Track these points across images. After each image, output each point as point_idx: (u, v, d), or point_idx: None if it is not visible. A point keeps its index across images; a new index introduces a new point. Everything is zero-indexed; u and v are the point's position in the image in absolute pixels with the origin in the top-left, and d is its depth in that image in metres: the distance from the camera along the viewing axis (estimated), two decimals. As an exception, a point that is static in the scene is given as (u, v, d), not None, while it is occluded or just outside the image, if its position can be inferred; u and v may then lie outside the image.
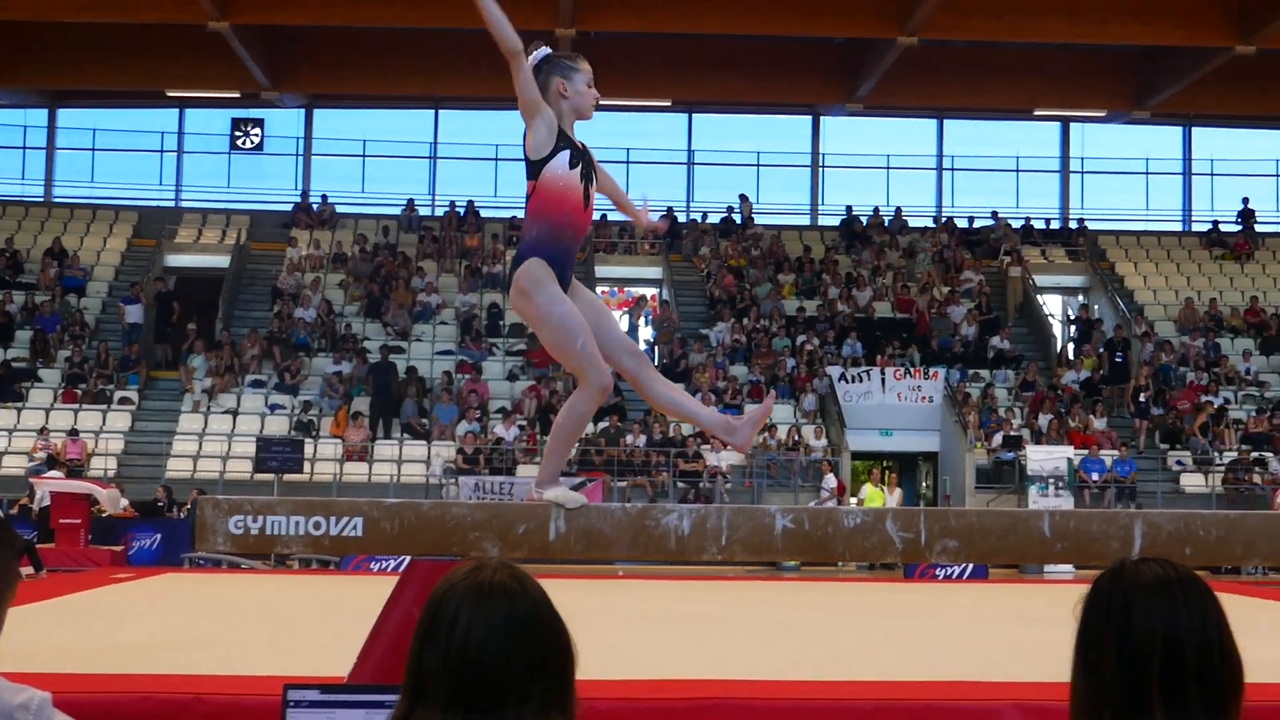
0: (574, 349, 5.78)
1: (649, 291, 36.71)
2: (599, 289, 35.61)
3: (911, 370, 30.85)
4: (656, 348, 32.36)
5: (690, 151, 38.57)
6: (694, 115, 38.39)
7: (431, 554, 5.72)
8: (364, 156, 38.36)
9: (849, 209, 37.13)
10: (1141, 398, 30.73)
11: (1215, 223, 38.08)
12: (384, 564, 21.63)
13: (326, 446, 28.78)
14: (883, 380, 30.60)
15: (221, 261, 34.86)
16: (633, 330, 33.21)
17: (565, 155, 5.85)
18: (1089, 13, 29.87)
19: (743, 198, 37.23)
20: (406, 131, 38.35)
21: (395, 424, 29.59)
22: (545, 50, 6.14)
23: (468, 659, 2.39)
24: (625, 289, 37.24)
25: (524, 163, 6.00)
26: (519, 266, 5.88)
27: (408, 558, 6.30)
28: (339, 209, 37.06)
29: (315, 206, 36.80)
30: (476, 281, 34.11)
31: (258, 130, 38.04)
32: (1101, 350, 32.09)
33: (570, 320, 5.77)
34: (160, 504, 25.84)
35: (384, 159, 38.46)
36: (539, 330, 5.90)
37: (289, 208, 37.14)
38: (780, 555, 6.00)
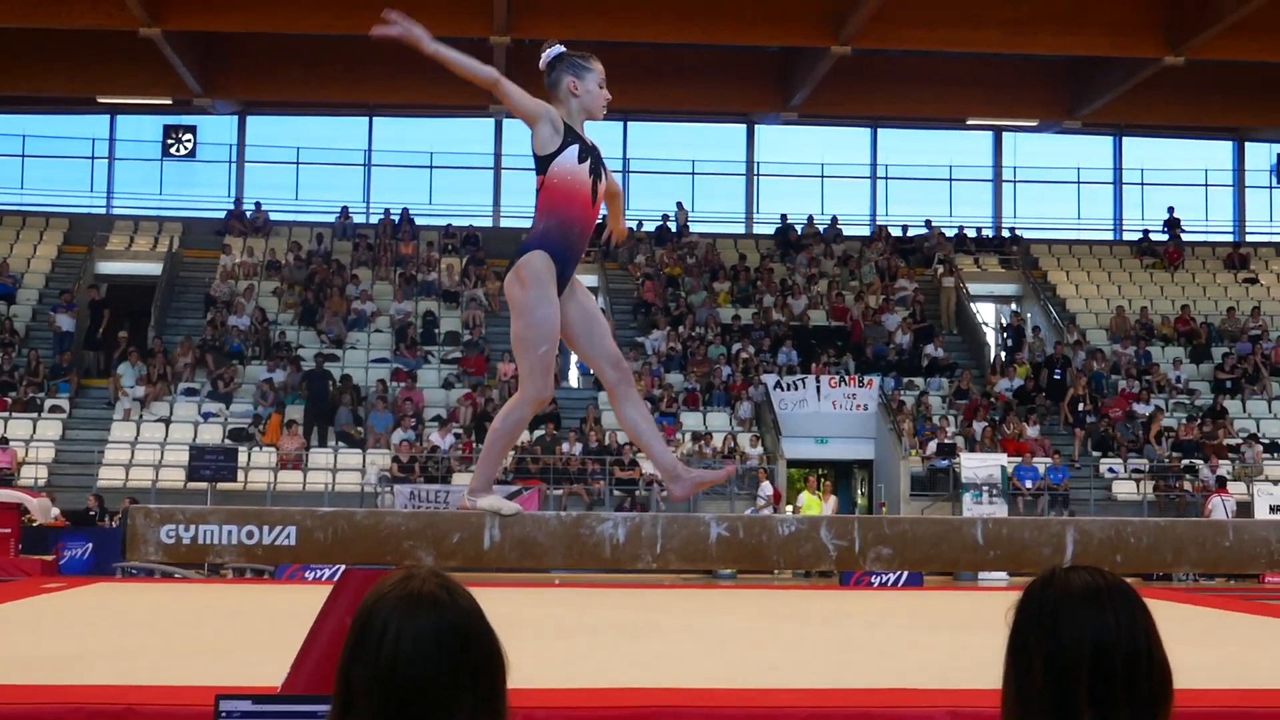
0: (534, 351, 5.77)
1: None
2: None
3: (846, 378, 30.97)
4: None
5: (625, 159, 38.58)
6: (629, 123, 38.42)
7: (365, 563, 5.70)
8: (298, 164, 38.17)
9: (784, 217, 37.25)
10: (1080, 407, 30.94)
11: (1146, 232, 38.44)
12: (319, 573, 21.50)
13: (260, 455, 28.61)
14: (818, 388, 30.70)
15: (154, 269, 34.61)
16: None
17: (574, 150, 5.88)
18: (1021, 23, 30.10)
19: (679, 206, 37.30)
20: (341, 138, 38.22)
21: (330, 432, 29.46)
22: (559, 48, 6.22)
23: (396, 670, 2.36)
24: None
25: (533, 160, 5.99)
26: (522, 255, 5.87)
27: (342, 567, 6.27)
28: (273, 216, 36.86)
29: (249, 214, 36.59)
30: (411, 289, 34.00)
31: (190, 137, 37.79)
32: (1041, 366, 32.26)
33: (545, 325, 5.76)
34: (92, 513, 25.61)
35: (318, 166, 38.29)
36: (514, 318, 5.90)
37: (222, 215, 36.91)
38: (715, 563, 6.01)
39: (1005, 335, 34.97)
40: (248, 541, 5.61)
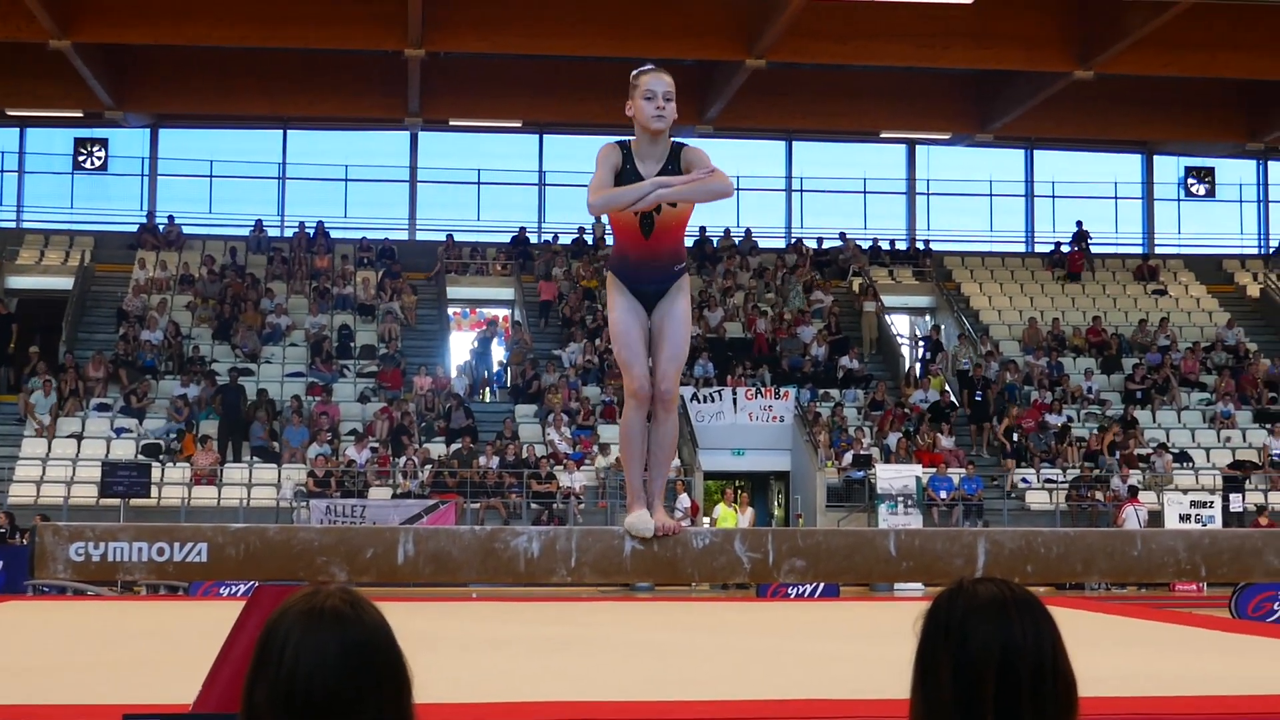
0: (616, 353, 6.09)
1: (501, 313, 36.63)
2: (450, 310, 35.49)
3: (762, 390, 31.08)
4: (509, 369, 32.28)
5: (541, 172, 38.55)
6: (545, 136, 38.40)
7: (278, 579, 5.66)
8: (211, 177, 37.85)
9: (702, 230, 37.32)
10: (997, 424, 31.20)
11: (1057, 244, 38.84)
12: (233, 589, 21.31)
13: (174, 471, 28.33)
14: (734, 400, 30.79)
15: (65, 283, 34.22)
16: (485, 352, 33.10)
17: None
18: (933, 37, 30.35)
19: (596, 218, 37.33)
20: (254, 152, 37.94)
21: (245, 447, 29.23)
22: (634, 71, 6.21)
23: (296, 688, 2.33)
24: (477, 310, 37.13)
25: None
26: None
27: (255, 583, 6.22)
28: (186, 230, 36.54)
29: (161, 227, 36.26)
30: (326, 303, 33.81)
31: (101, 150, 37.42)
32: (964, 385, 32.46)
33: (615, 328, 6.04)
34: (2, 530, 25.27)
35: (232, 179, 37.98)
36: None
37: (134, 228, 36.56)
38: (629, 577, 6.01)
39: (923, 347, 35.19)
40: (158, 559, 5.56)
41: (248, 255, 35.71)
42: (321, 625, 2.38)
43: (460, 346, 34.43)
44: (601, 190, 5.93)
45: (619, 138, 6.22)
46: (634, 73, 6.25)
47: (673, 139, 6.19)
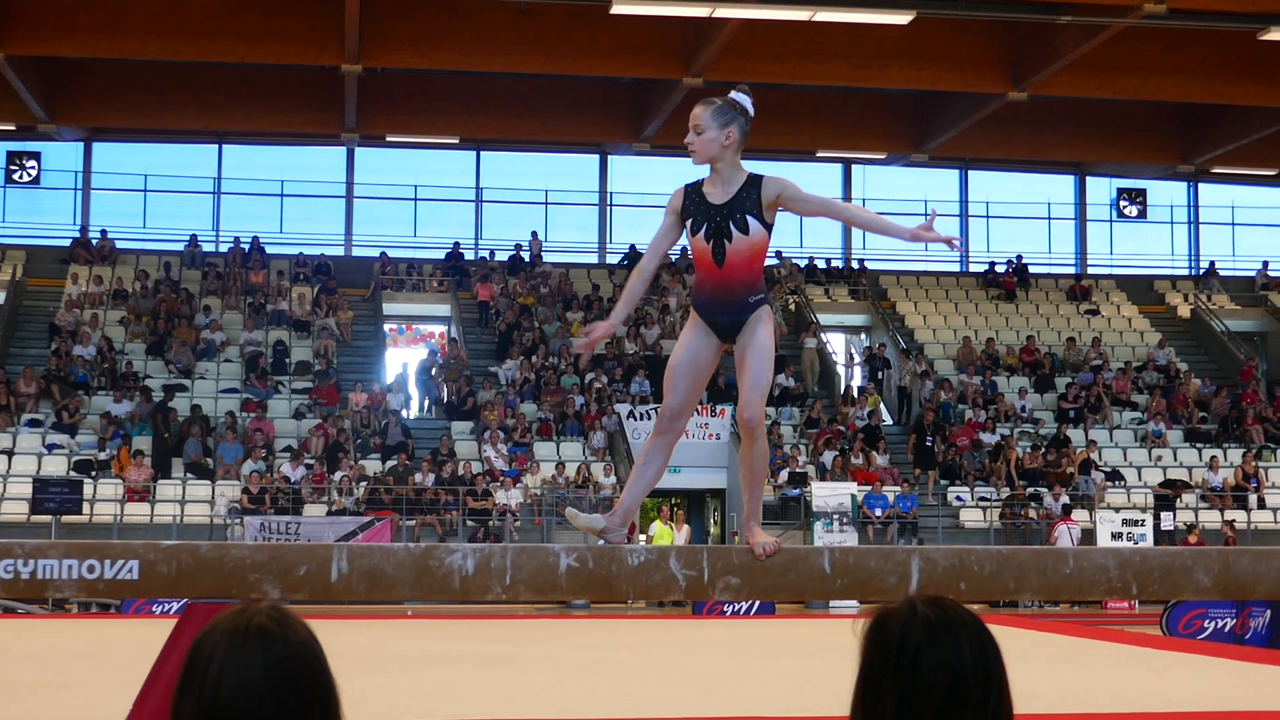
0: (665, 384, 6.09)
1: (437, 329, 36.55)
2: (386, 326, 35.37)
3: (699, 408, 31.11)
4: (445, 385, 32.19)
5: (479, 189, 38.51)
6: (482, 153, 38.36)
7: (210, 597, 5.63)
8: (145, 191, 37.58)
9: (632, 247, 37.34)
10: (928, 441, 31.35)
11: (991, 263, 39.11)
12: (166, 607, 21.15)
13: (107, 487, 28.08)
14: (670, 418, 30.75)
15: (-4, 298, 33.90)
16: (423, 369, 32.99)
17: (690, 222, 6.11)
18: (868, 58, 30.52)
19: (533, 235, 37.31)
20: (189, 166, 37.70)
21: (178, 463, 29.01)
22: None
23: (220, 705, 2.30)
24: (413, 327, 37.03)
25: None
26: None
27: (187, 601, 6.19)
28: (119, 244, 36.25)
29: (95, 242, 35.97)
30: (262, 319, 33.62)
31: (34, 163, 37.11)
32: (900, 404, 32.60)
33: (673, 360, 6.07)
34: (-71, 548, 24.95)
35: (166, 194, 37.73)
36: None
37: (67, 243, 36.24)
38: (565, 594, 6.00)
39: (865, 367, 35.29)
40: (89, 576, 5.51)
41: (182, 270, 35.47)
42: (247, 643, 2.36)
43: (397, 363, 34.32)
44: (651, 248, 6.17)
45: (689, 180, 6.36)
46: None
47: (751, 172, 6.28)
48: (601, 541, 5.94)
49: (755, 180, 6.13)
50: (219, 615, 2.42)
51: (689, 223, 6.06)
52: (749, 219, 6.03)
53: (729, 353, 6.15)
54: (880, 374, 34.26)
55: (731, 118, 6.23)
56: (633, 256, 37.17)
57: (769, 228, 6.04)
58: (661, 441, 6.04)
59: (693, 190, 6.15)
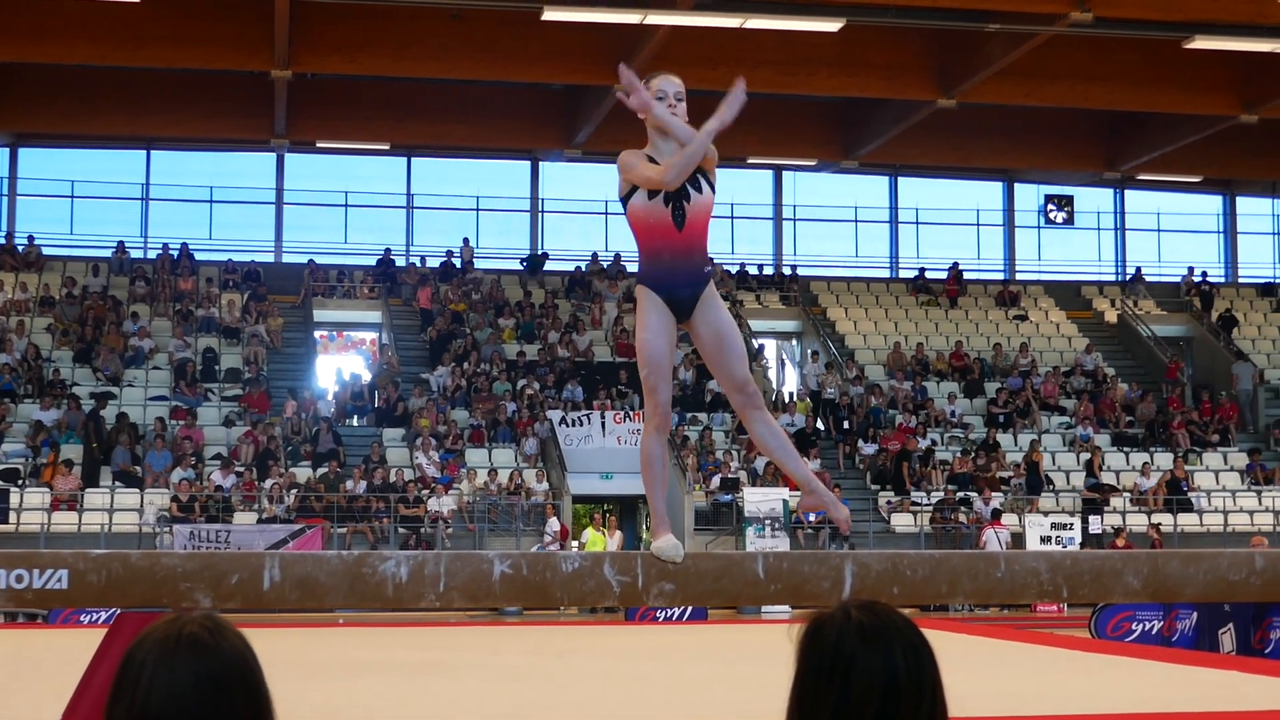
0: (642, 376, 5.97)
1: (368, 335, 36.40)
2: (317, 333, 35.19)
3: (631, 414, 31.13)
4: (376, 392, 32.06)
5: (409, 195, 38.38)
6: (413, 159, 38.22)
7: (141, 606, 5.58)
8: (72, 197, 37.23)
9: (543, 254, 37.35)
10: (860, 445, 31.50)
11: (921, 269, 39.33)
12: (95, 616, 20.93)
13: (34, 495, 27.78)
14: (603, 424, 30.83)
15: (-81, 305, 33.48)
16: (353, 375, 32.87)
17: (646, 193, 6.00)
18: (797, 65, 30.63)
19: (464, 242, 37.21)
20: (117, 172, 37.38)
21: (107, 471, 28.73)
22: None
23: (151, 717, 2.28)
24: (344, 333, 36.86)
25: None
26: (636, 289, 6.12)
27: (117, 610, 6.13)
28: (46, 251, 35.88)
29: (20, 248, 35.59)
30: (191, 325, 33.37)
31: (-41, 169, 36.69)
32: (821, 411, 32.70)
33: (644, 350, 5.96)
34: None
35: (94, 200, 37.40)
36: None
37: (-8, 249, 35.86)
38: (498, 601, 5.99)
39: (797, 372, 35.40)
40: (17, 585, 5.46)
41: (110, 277, 35.16)
42: (178, 652, 2.33)
43: (328, 369, 34.16)
44: (660, 169, 5.99)
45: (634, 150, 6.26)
46: (645, 78, 6.37)
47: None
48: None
49: None
50: (151, 624, 2.39)
51: (646, 192, 6.01)
52: (700, 178, 6.10)
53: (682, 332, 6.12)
54: (812, 381, 34.34)
55: None
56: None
57: (713, 188, 6.11)
58: (663, 438, 6.05)
59: (648, 158, 6.16)
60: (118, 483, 28.45)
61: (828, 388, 33.18)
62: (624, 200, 6.07)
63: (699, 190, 6.05)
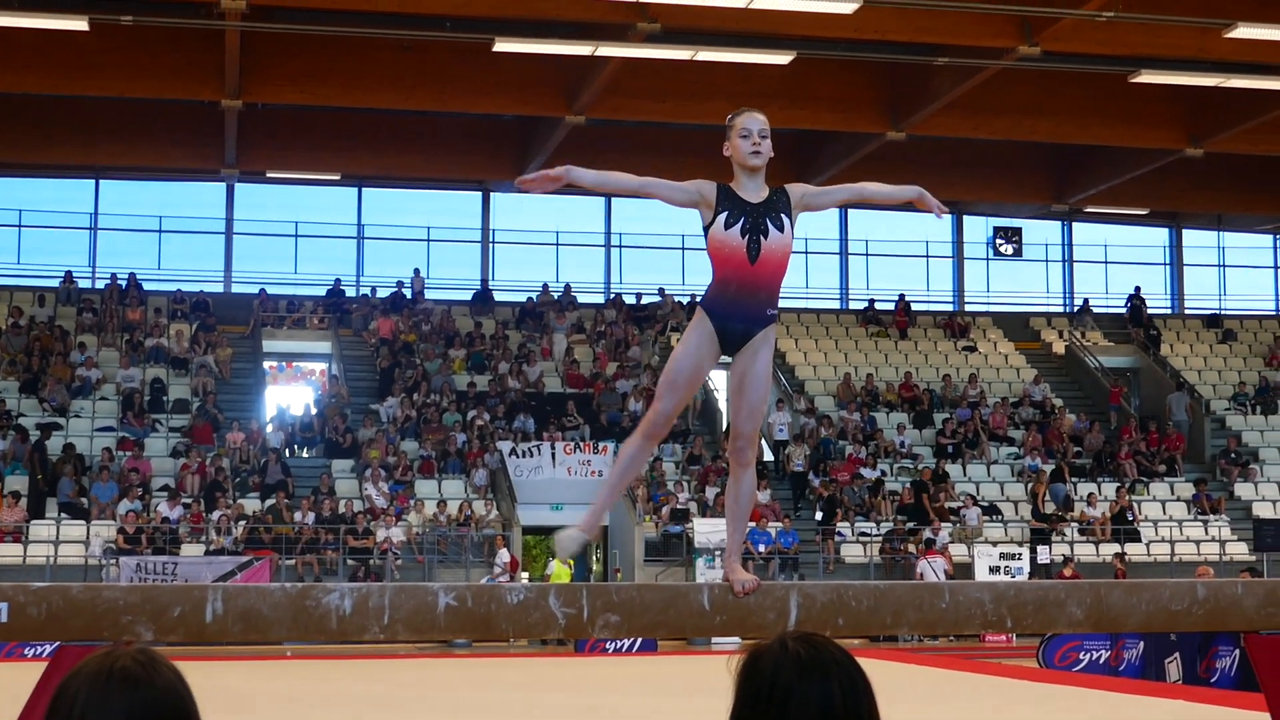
0: (661, 387, 6.02)
1: (318, 366, 36.26)
2: (266, 364, 35.04)
3: (581, 444, 31.12)
4: (325, 423, 31.92)
5: (360, 225, 38.28)
6: (364, 189, 38.13)
7: (82, 639, 5.54)
8: (20, 226, 36.99)
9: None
10: (811, 477, 31.55)
11: (871, 301, 39.48)
12: (39, 650, 20.72)
13: (-23, 528, 27.54)
14: (553, 455, 30.79)
15: None
16: (290, 415, 32.70)
17: (723, 216, 6.04)
18: (748, 97, 30.58)
19: (415, 272, 37.13)
20: (65, 201, 37.15)
21: (53, 503, 28.50)
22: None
23: None
24: (294, 364, 36.70)
25: None
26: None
27: (59, 644, 6.08)
28: (-8, 280, 35.66)
29: (-33, 278, 35.34)
30: (139, 356, 33.17)
31: (-95, 198, 36.41)
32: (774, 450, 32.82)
33: (675, 363, 6.03)
34: None
35: (41, 229, 37.16)
36: None
37: (-62, 279, 35.60)
38: (443, 633, 5.97)
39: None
40: (-43, 619, 5.41)
41: (57, 307, 34.93)
42: (111, 686, 2.33)
43: (276, 400, 34.01)
44: (652, 182, 6.19)
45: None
46: (729, 115, 6.44)
47: (770, 184, 6.29)
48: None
49: (779, 187, 6.30)
50: (85, 658, 2.39)
51: (722, 217, 6.07)
52: (784, 217, 6.17)
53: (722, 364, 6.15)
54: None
55: None
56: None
57: (793, 229, 6.17)
58: (649, 445, 6.08)
59: (723, 188, 6.20)
60: (63, 514, 28.23)
61: (777, 427, 33.05)
62: (706, 229, 6.10)
63: (779, 228, 6.09)
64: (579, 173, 6.08)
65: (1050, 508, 31.37)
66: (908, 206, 6.59)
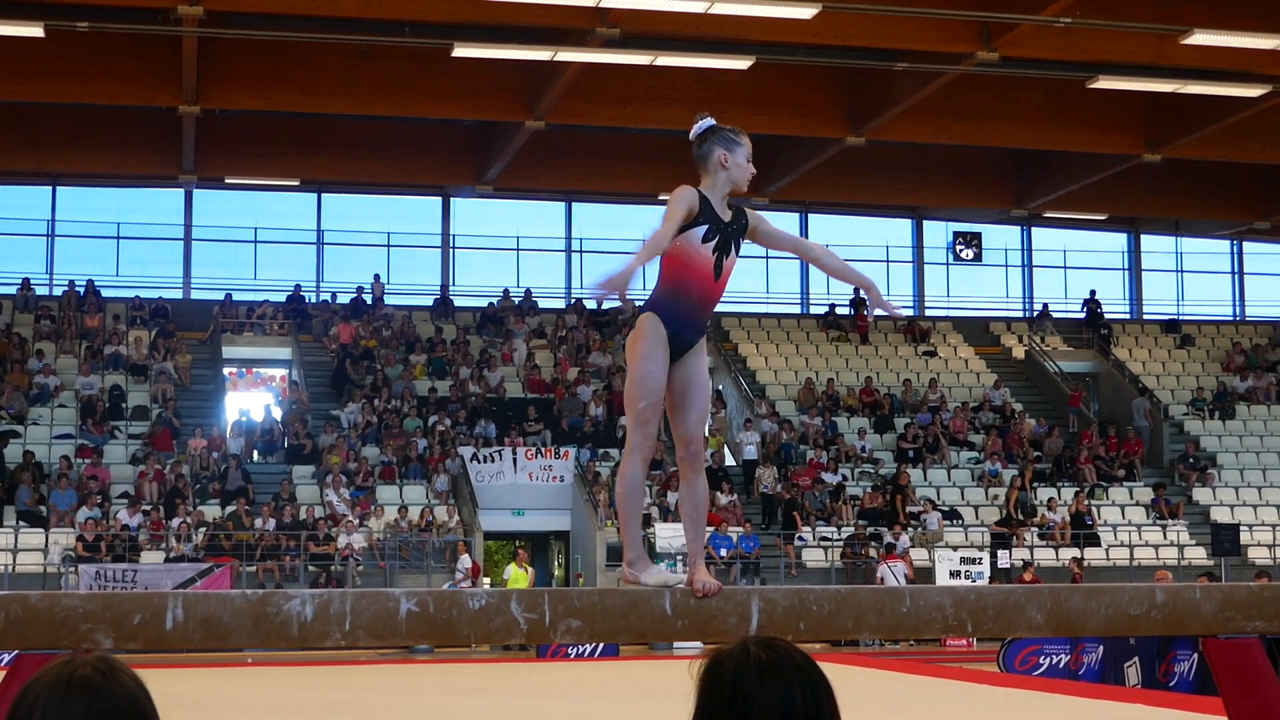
0: (635, 406, 5.88)
1: (278, 372, 36.12)
2: (226, 370, 34.90)
3: (543, 450, 31.09)
4: (286, 429, 31.82)
5: (320, 231, 38.17)
6: (323, 195, 38.02)
7: (41, 648, 5.51)
8: (-25, 234, 36.77)
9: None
10: (766, 484, 31.57)
11: (831, 305, 39.56)
12: (-4, 659, 20.58)
13: (-67, 536, 27.37)
14: (514, 460, 30.77)
15: None
16: (250, 420, 32.55)
17: (702, 229, 5.99)
18: (709, 103, 30.52)
19: (375, 278, 37.04)
20: (22, 208, 36.91)
21: (11, 511, 28.33)
22: (710, 121, 6.37)
23: None
24: (254, 370, 36.56)
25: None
26: (641, 315, 6.04)
27: (17, 652, 6.04)
28: (-52, 288, 35.41)
29: (-77, 284, 35.10)
30: (98, 363, 32.99)
31: None
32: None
33: (645, 382, 5.88)
34: None
35: (-2, 236, 36.94)
36: (628, 374, 6.01)
37: (-107, 286, 35.33)
38: (405, 639, 5.96)
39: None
40: (-86, 628, 5.37)
41: (14, 314, 34.72)
42: (70, 694, 2.32)
43: (236, 406, 33.86)
44: (663, 234, 5.97)
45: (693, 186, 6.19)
46: (736, 129, 6.34)
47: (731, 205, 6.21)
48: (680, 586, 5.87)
49: (740, 210, 6.20)
50: (45, 666, 2.38)
51: (702, 229, 6.03)
52: (740, 240, 6.14)
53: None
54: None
55: None
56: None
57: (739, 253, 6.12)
58: (647, 470, 6.06)
59: (705, 199, 6.14)
60: (22, 522, 28.06)
61: (746, 445, 32.95)
62: (677, 233, 6.03)
63: (737, 250, 6.09)
64: (637, 260, 5.95)
65: (1020, 513, 31.54)
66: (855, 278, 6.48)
